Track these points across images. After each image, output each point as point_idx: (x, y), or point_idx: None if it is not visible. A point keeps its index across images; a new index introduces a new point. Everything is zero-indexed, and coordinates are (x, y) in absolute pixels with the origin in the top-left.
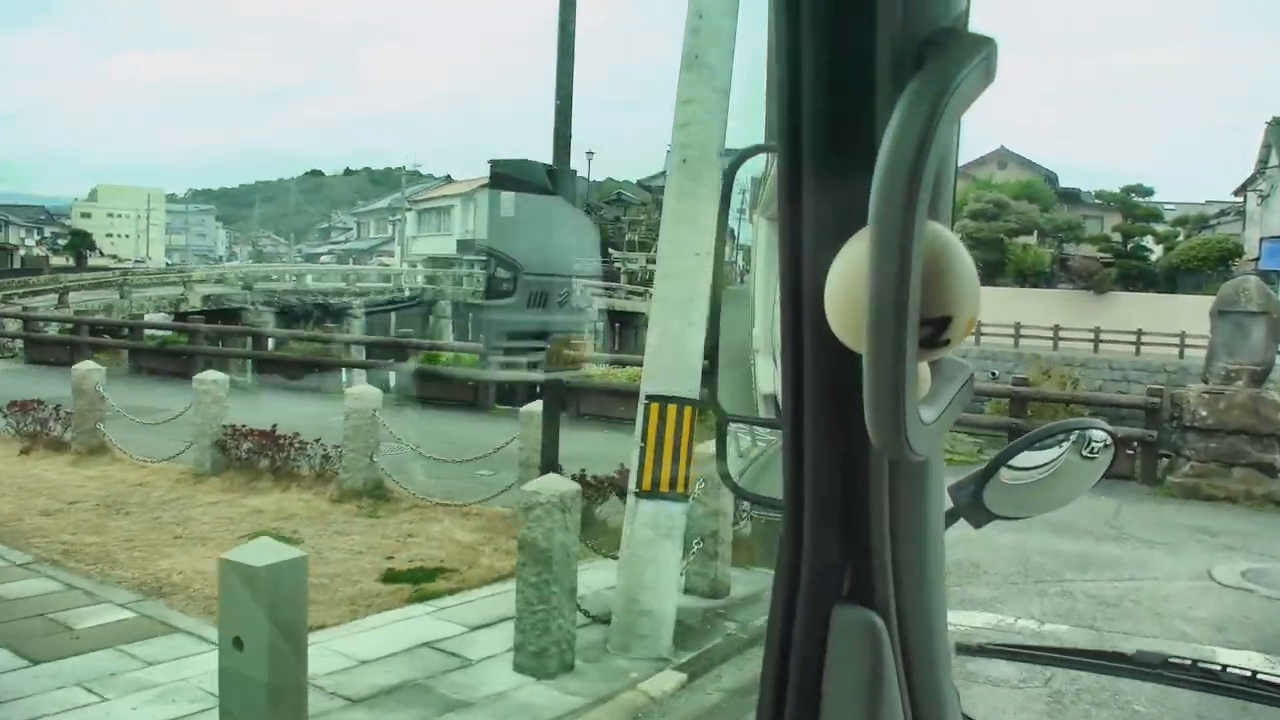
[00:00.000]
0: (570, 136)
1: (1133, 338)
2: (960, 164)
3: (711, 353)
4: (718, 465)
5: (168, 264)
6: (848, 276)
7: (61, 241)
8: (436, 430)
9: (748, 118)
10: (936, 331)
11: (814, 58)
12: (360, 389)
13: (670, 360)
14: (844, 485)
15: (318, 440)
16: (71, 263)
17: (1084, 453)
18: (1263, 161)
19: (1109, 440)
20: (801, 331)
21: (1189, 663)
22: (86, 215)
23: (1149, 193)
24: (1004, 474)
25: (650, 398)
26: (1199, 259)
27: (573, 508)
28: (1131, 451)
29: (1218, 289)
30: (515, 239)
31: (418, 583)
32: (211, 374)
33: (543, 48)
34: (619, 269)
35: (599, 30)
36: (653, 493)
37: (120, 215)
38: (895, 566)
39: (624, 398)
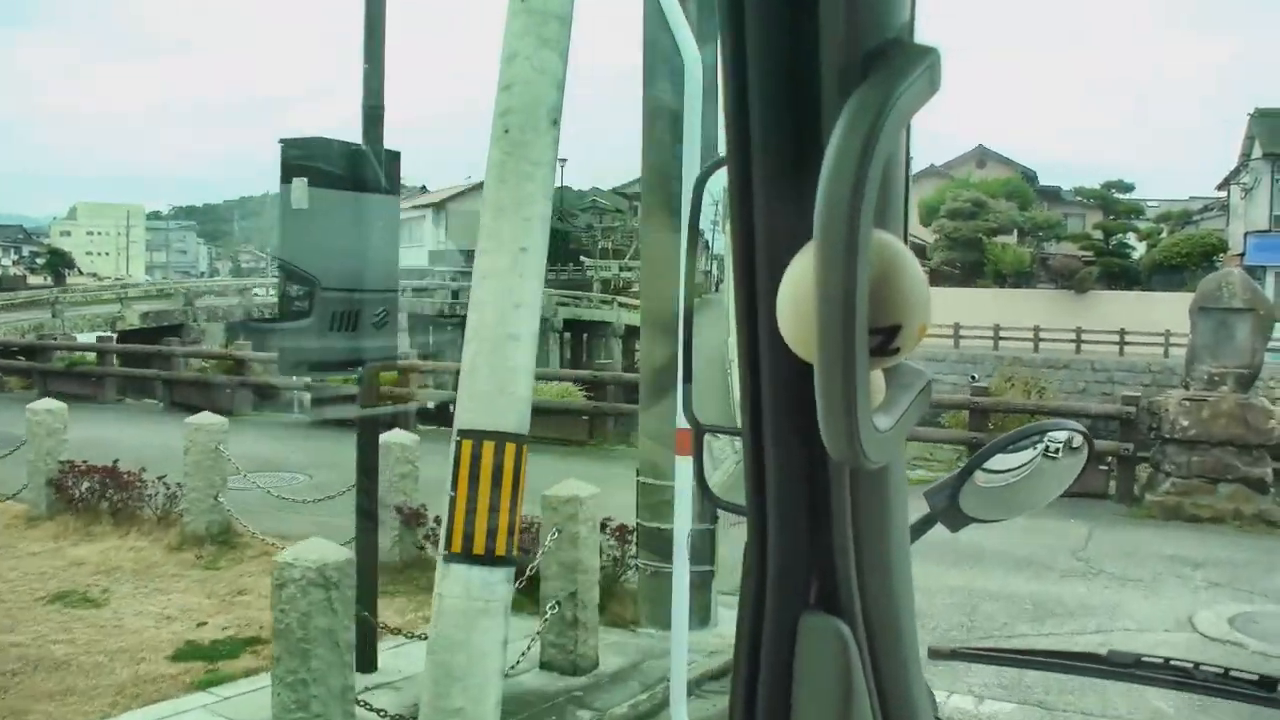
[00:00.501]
0: (383, 108)
1: (1116, 338)
2: (938, 164)
3: (686, 362)
4: (695, 475)
5: (147, 280)
6: (797, 287)
7: (40, 260)
8: (326, 459)
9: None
10: (887, 340)
11: (760, 69)
12: (201, 418)
13: (486, 383)
14: (806, 493)
15: (162, 478)
16: (50, 281)
17: (1059, 454)
18: (1246, 154)
19: (1084, 442)
20: (757, 341)
21: (1161, 661)
22: (66, 233)
23: (1129, 188)
24: (979, 477)
25: (463, 433)
26: (1182, 255)
27: (341, 582)
28: (1105, 467)
29: None
30: (309, 243)
31: (216, 660)
32: (47, 403)
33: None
34: (591, 277)
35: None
36: (466, 555)
37: (100, 233)
38: (861, 573)
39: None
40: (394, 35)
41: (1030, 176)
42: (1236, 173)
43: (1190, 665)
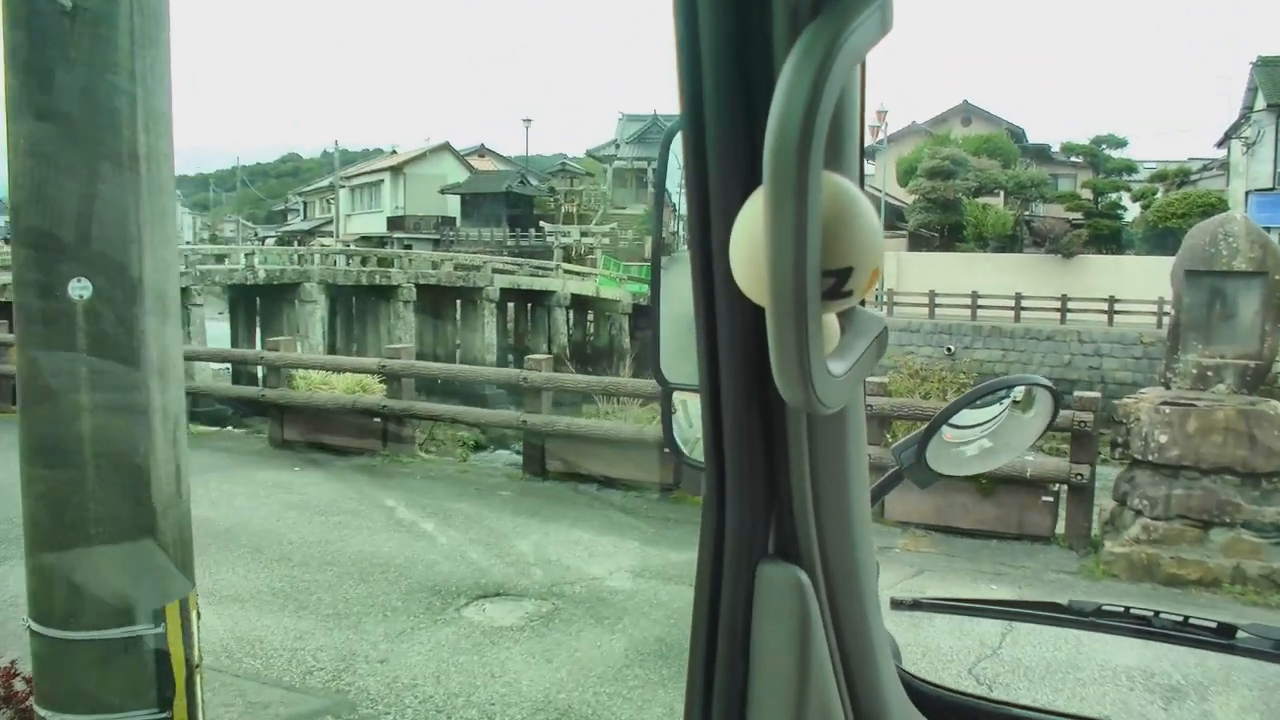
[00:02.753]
0: None
1: (1104, 306)
2: (921, 121)
3: (654, 321)
4: (664, 435)
5: None
6: (749, 232)
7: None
8: None
9: None
10: (839, 283)
11: (711, 14)
12: None
13: None
14: (763, 443)
15: None
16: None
17: (1025, 409)
18: (1248, 107)
19: (1050, 396)
20: (713, 291)
21: (1121, 609)
22: None
23: (1122, 144)
24: (946, 432)
25: None
26: (1179, 216)
27: None
28: (1050, 499)
29: None
30: None
31: None
32: None
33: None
34: (551, 244)
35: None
36: None
37: None
38: (820, 522)
39: (334, 418)
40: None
41: (1017, 134)
42: (1237, 126)
43: (1150, 613)
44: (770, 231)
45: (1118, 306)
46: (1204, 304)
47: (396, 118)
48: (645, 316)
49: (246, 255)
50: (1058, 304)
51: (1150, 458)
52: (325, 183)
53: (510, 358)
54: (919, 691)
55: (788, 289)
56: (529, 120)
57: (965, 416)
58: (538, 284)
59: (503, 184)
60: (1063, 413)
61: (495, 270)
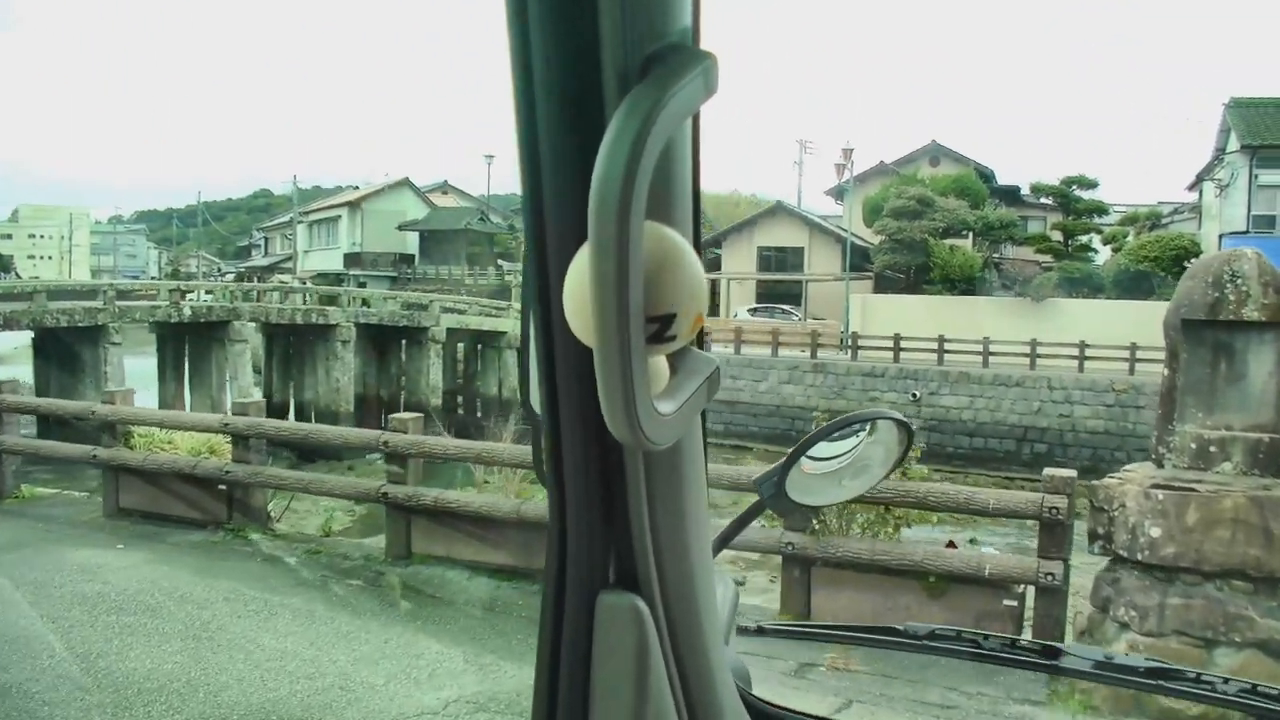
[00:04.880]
0: None
1: (1075, 351)
2: (889, 161)
3: (523, 350)
4: (535, 467)
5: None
6: (579, 281)
7: None
8: None
9: None
10: (663, 328)
11: (544, 72)
12: None
13: None
14: (600, 474)
15: None
16: None
17: (881, 442)
18: (1220, 148)
19: (905, 429)
20: (551, 333)
21: (954, 633)
22: (7, 236)
23: (1092, 185)
24: (805, 464)
25: None
26: (1150, 259)
27: None
28: (1013, 602)
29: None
30: None
31: None
32: None
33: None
34: (509, 283)
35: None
36: None
37: (43, 236)
38: (659, 552)
39: (174, 483)
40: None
41: (986, 175)
42: (1210, 168)
43: (981, 636)
44: (594, 281)
45: (1089, 352)
46: (1206, 362)
47: (365, 154)
48: None
49: (170, 291)
50: (1027, 349)
51: (1139, 555)
52: (287, 218)
53: (459, 400)
54: (765, 714)
55: (611, 334)
56: (491, 157)
57: (823, 449)
58: (488, 324)
59: (462, 221)
60: (1029, 497)
61: (444, 309)
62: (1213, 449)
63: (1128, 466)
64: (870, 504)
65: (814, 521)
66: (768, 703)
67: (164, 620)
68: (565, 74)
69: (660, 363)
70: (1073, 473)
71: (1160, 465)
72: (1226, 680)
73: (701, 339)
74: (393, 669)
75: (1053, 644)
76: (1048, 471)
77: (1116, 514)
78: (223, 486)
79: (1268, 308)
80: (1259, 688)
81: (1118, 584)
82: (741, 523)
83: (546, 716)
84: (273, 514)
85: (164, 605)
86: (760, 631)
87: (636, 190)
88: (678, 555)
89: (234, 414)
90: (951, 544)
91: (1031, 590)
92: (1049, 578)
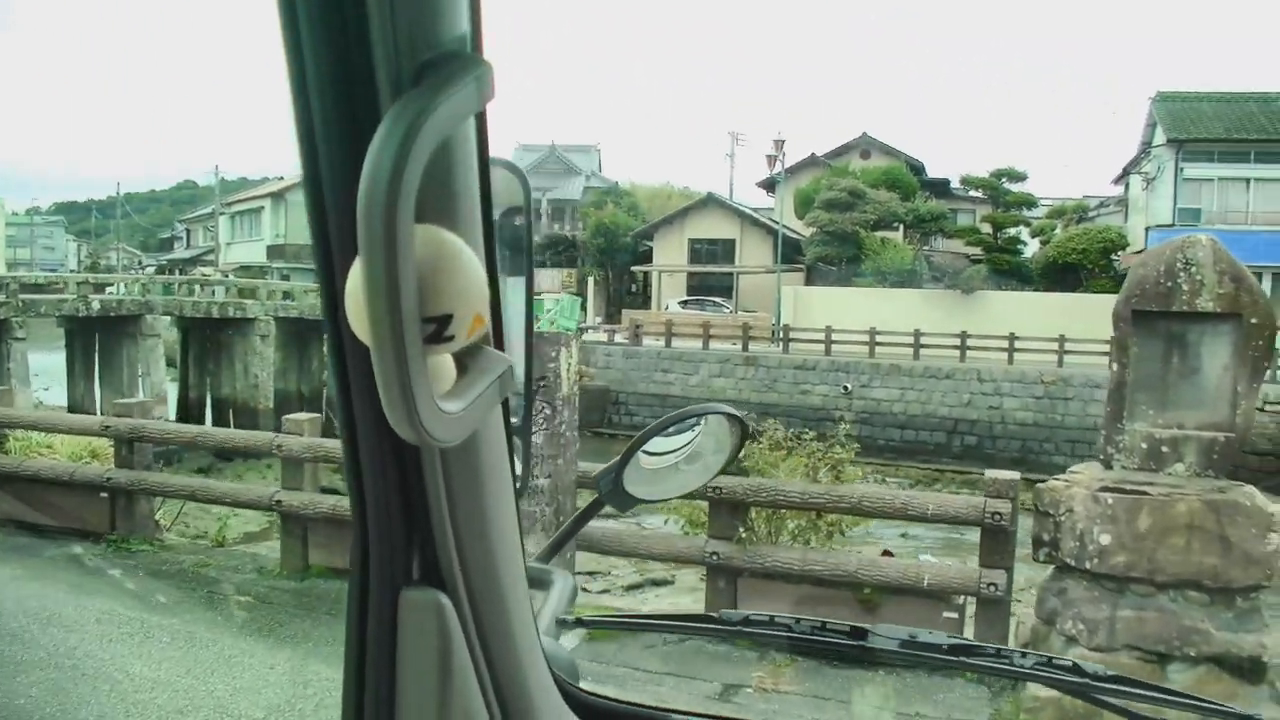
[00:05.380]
0: None
1: (1005, 344)
2: (820, 153)
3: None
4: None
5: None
6: (357, 280)
7: None
8: None
9: None
10: (441, 328)
11: (318, 80)
12: None
13: None
14: (400, 473)
15: None
16: None
17: (715, 435)
18: (1147, 142)
19: (739, 422)
20: (340, 334)
21: (767, 619)
22: None
23: (1021, 178)
24: (642, 459)
25: None
26: (1078, 252)
27: None
28: (953, 614)
29: (1103, 285)
30: None
31: None
32: None
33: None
34: None
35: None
36: None
37: None
38: (462, 548)
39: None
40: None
41: (917, 167)
42: (1136, 162)
43: (792, 620)
44: (366, 283)
45: (1018, 344)
46: (1158, 356)
47: (291, 144)
48: None
49: (79, 284)
50: (957, 341)
51: (1088, 564)
52: (209, 210)
53: None
54: (586, 705)
55: (386, 334)
56: None
57: (659, 444)
58: None
59: None
60: (970, 501)
61: None
62: (1164, 449)
63: (1074, 468)
64: (801, 510)
65: (740, 530)
66: (590, 693)
67: (24, 647)
68: (340, 84)
69: (445, 362)
70: (1015, 475)
71: (1109, 466)
72: (1024, 654)
73: (499, 338)
74: (275, 699)
75: (860, 625)
76: (989, 474)
77: (1063, 519)
78: (105, 494)
79: (1223, 298)
80: (1053, 660)
81: (1064, 595)
82: (581, 520)
83: (354, 714)
84: (162, 522)
85: (27, 629)
86: (578, 623)
87: (404, 194)
88: (483, 550)
89: (116, 415)
90: (887, 552)
91: (973, 601)
92: (991, 588)
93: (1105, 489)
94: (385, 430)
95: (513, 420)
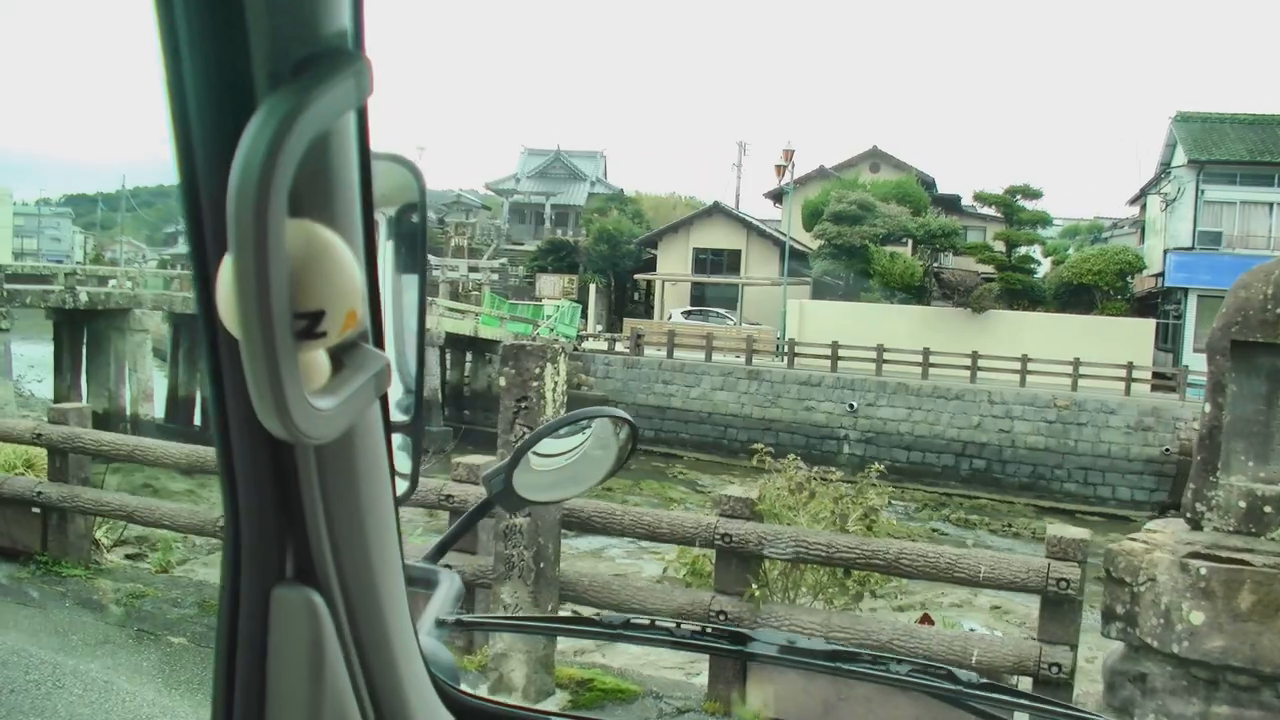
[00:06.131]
0: None
1: (1017, 365)
2: (829, 165)
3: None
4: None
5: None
6: (228, 275)
7: None
8: None
9: None
10: (313, 324)
11: (194, 73)
12: None
13: None
14: (274, 469)
15: None
16: None
17: (604, 437)
18: (1166, 163)
19: (628, 425)
20: (214, 329)
21: (648, 622)
22: None
23: (1037, 195)
24: (532, 460)
25: None
26: (1093, 273)
27: None
28: None
29: (1118, 307)
30: None
31: None
32: None
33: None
34: (436, 279)
35: (447, 26)
36: None
37: None
38: (337, 547)
39: None
40: None
41: (927, 182)
42: (1155, 182)
43: (674, 624)
44: (235, 278)
45: (1030, 366)
46: (1261, 396)
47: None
48: None
49: (66, 275)
50: (968, 361)
51: (1174, 648)
52: None
53: None
54: (462, 705)
55: (255, 329)
56: (422, 148)
57: (549, 445)
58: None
59: None
60: (1029, 564)
61: None
62: (1267, 509)
63: (1151, 525)
64: (824, 565)
65: (753, 584)
66: (466, 693)
67: None
68: (215, 77)
69: (319, 359)
70: (1085, 533)
71: (1197, 526)
72: (900, 660)
73: (379, 335)
74: None
75: (741, 630)
76: (1053, 532)
77: (1143, 589)
78: (36, 509)
79: None
80: (929, 668)
81: (1144, 683)
82: (469, 521)
83: (224, 715)
84: (103, 543)
85: None
86: (459, 624)
87: (275, 189)
88: (358, 549)
89: (51, 421)
90: (926, 617)
91: (1028, 681)
92: (1054, 670)
93: (1195, 555)
94: (258, 426)
95: (404, 418)
